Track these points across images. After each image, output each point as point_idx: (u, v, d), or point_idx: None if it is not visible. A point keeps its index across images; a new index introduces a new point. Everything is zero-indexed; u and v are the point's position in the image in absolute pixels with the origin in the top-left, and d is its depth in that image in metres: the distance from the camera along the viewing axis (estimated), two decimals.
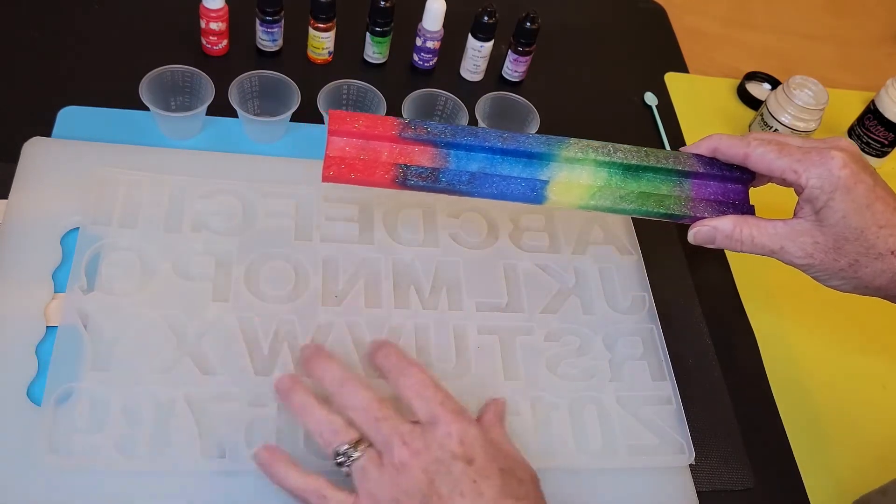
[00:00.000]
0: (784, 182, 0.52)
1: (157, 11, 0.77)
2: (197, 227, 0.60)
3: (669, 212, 0.54)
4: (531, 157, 0.54)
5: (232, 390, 0.53)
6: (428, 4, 0.74)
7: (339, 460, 0.46)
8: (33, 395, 0.51)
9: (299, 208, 0.63)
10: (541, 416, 0.58)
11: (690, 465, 0.58)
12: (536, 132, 0.70)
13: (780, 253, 0.52)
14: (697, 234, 0.54)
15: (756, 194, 0.57)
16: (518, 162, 0.54)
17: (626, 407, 0.59)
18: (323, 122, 0.69)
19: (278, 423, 0.52)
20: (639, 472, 0.57)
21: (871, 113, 0.84)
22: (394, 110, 0.68)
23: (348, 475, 0.46)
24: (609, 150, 0.54)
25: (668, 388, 0.61)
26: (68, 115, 0.66)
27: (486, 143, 0.53)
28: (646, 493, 0.56)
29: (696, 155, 0.55)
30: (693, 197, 0.55)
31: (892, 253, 0.49)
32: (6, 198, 0.59)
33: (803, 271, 0.53)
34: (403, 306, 0.60)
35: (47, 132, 0.65)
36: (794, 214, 0.52)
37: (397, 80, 0.79)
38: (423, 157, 0.53)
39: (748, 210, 0.55)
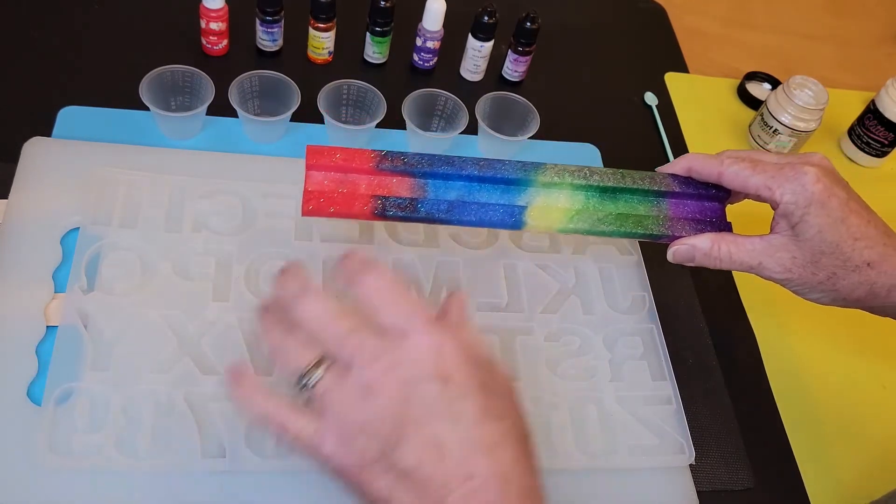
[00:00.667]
0: (759, 198, 0.53)
1: (157, 11, 0.77)
2: (197, 227, 0.60)
3: (648, 232, 0.55)
4: (508, 183, 0.54)
5: None
6: (428, 4, 0.74)
7: (301, 384, 0.39)
8: (33, 395, 0.51)
9: (299, 208, 0.63)
10: (541, 416, 0.58)
11: (690, 465, 0.58)
12: (536, 132, 0.70)
13: (758, 269, 0.52)
14: (676, 252, 0.55)
15: (735, 207, 0.58)
16: (496, 189, 0.54)
17: (626, 407, 0.59)
18: (323, 123, 0.69)
19: None
20: (639, 472, 0.57)
21: (871, 113, 0.84)
22: (394, 110, 0.68)
23: (311, 400, 0.39)
24: (585, 174, 0.55)
25: (668, 388, 0.61)
26: (68, 115, 0.66)
27: (463, 172, 0.53)
28: (646, 493, 0.56)
29: (672, 175, 0.56)
30: (671, 216, 0.55)
31: (868, 265, 0.50)
32: (6, 198, 0.59)
33: (783, 286, 0.53)
34: None
35: (47, 132, 0.65)
36: (771, 230, 0.52)
37: (397, 80, 0.79)
38: (401, 187, 0.53)
39: (726, 227, 0.56)
